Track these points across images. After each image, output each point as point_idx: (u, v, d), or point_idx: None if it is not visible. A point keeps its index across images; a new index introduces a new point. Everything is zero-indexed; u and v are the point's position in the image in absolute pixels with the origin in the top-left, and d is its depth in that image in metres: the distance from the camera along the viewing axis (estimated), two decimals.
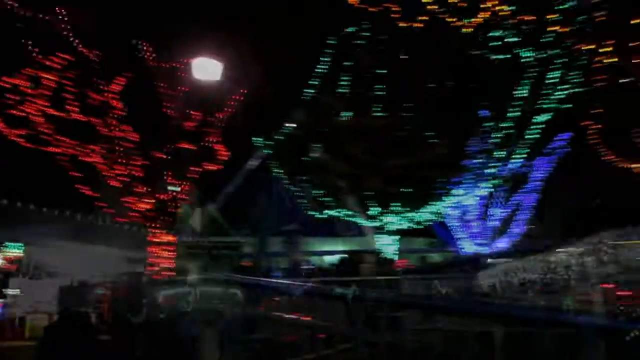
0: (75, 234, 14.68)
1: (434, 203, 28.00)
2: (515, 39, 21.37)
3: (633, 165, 22.81)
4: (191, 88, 21.55)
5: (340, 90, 26.31)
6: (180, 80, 21.84)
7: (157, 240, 19.37)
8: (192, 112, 21.99)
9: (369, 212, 28.00)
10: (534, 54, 21.76)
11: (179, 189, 20.59)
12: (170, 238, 19.81)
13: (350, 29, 25.46)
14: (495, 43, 21.69)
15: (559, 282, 16.03)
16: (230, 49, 22.21)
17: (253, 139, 27.04)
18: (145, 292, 16.70)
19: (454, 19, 20.81)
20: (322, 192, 28.29)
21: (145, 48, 21.65)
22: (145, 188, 20.43)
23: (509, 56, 22.26)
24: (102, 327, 15.58)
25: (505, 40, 21.50)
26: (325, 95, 26.69)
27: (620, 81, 20.26)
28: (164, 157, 21.08)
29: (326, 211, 28.91)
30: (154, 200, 20.06)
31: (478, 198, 29.09)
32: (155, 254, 19.26)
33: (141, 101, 21.85)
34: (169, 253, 19.63)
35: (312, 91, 26.04)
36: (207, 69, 20.07)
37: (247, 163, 27.07)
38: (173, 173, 21.03)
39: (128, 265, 18.23)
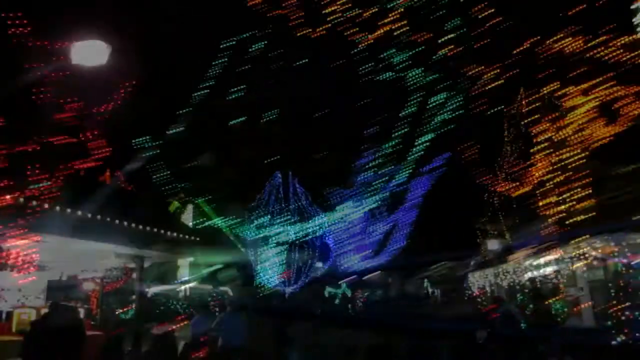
0: (67, 229, 13.92)
1: (320, 215, 27.50)
2: (404, 58, 21.73)
3: (507, 187, 24.47)
4: (71, 73, 19.10)
5: (233, 95, 24.59)
6: (59, 63, 19.49)
7: (15, 242, 17.24)
8: (69, 100, 19.74)
9: (256, 222, 26.58)
10: (421, 76, 22.30)
11: (46, 185, 18.15)
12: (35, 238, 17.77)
13: (247, 34, 23.42)
14: (384, 63, 22.02)
15: (549, 286, 16.78)
16: (120, 36, 19.90)
17: (138, 139, 23.41)
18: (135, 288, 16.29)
19: (353, 31, 20.67)
20: (207, 198, 27.34)
21: (16, 21, 19.13)
22: (4, 182, 17.62)
23: (400, 75, 22.60)
24: (91, 322, 15.07)
25: (397, 60, 21.81)
26: (218, 99, 24.64)
27: (492, 111, 21.48)
28: (32, 148, 18.46)
29: (212, 219, 27.97)
30: (14, 197, 17.74)
31: (362, 213, 29.30)
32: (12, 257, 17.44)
33: (7, 83, 19.41)
34: (30, 256, 17.79)
35: (205, 92, 23.68)
36: (91, 52, 17.42)
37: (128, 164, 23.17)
38: (41, 167, 18.54)
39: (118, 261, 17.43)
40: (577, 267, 14.71)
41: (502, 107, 21.24)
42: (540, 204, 19.40)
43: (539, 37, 18.37)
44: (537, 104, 19.74)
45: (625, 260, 13.28)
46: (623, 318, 12.63)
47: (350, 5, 19.05)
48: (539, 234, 17.53)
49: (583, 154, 19.41)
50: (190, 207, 26.87)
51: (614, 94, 18.60)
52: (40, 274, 15.47)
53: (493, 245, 21.93)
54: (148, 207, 18.80)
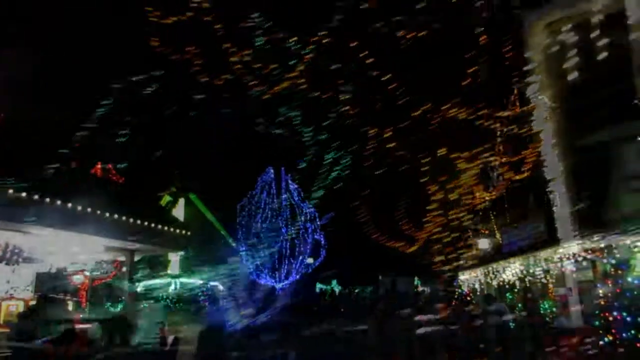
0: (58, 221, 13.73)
1: (205, 270, 27.06)
2: (300, 114, 21.70)
3: (397, 245, 25.12)
4: None
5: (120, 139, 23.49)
6: None
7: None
8: None
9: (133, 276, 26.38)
10: (316, 133, 22.35)
11: None
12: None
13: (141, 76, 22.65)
14: (280, 118, 21.96)
15: (538, 286, 16.85)
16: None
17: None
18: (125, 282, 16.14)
19: (256, 82, 20.35)
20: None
21: None
22: None
23: (296, 129, 22.61)
24: (79, 315, 14.96)
25: (293, 114, 21.80)
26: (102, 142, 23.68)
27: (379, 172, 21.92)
28: None
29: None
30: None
31: (249, 269, 29.61)
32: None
33: None
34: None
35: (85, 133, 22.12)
36: None
37: None
38: None
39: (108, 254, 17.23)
40: (567, 267, 14.77)
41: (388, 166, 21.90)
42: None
43: (430, 105, 19.19)
44: (428, 167, 21.06)
45: (614, 261, 13.36)
46: (611, 319, 12.69)
47: (252, 57, 18.85)
48: None
49: (468, 215, 21.63)
50: (181, 200, 26.86)
51: (492, 162, 20.55)
52: (28, 266, 15.35)
53: (484, 244, 22.05)
54: (139, 200, 18.57)
